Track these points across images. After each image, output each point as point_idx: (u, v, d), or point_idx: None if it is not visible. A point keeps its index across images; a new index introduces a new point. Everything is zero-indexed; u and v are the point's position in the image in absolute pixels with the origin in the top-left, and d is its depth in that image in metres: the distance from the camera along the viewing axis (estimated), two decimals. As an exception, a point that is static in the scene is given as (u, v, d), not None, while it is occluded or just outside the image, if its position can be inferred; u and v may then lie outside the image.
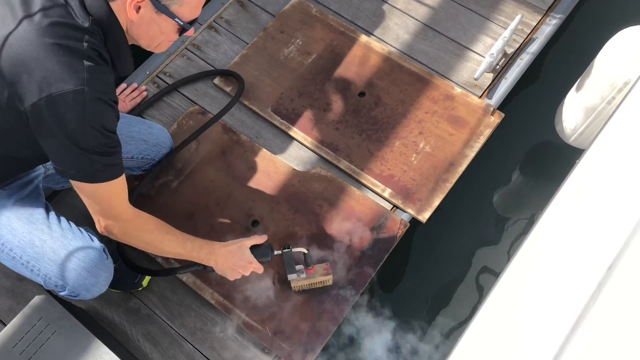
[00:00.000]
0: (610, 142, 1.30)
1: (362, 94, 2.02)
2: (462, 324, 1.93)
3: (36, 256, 1.37)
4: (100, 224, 1.34)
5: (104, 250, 1.44)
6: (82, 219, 1.82)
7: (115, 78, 1.27)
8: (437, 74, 2.07)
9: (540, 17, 2.18)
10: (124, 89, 2.05)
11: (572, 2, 2.21)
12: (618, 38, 1.70)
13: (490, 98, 2.02)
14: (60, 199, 1.88)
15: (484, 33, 2.16)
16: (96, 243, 1.43)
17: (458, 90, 2.01)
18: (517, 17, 2.07)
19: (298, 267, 1.60)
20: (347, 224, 1.78)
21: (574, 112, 1.82)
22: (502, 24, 2.17)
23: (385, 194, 1.83)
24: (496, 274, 2.02)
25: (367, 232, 1.77)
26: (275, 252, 1.55)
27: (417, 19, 2.20)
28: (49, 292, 1.56)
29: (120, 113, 1.72)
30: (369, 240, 1.75)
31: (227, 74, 2.07)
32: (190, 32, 1.31)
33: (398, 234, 1.76)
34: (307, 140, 1.94)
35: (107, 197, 1.29)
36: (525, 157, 2.27)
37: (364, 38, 2.13)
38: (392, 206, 1.84)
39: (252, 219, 1.81)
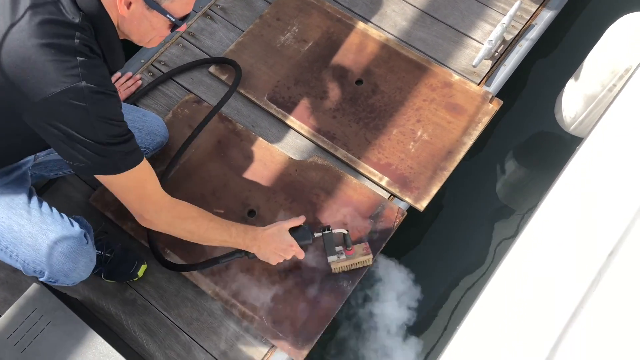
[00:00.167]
0: (610, 130, 1.29)
1: (359, 82, 1.99)
2: (460, 313, 1.92)
3: (14, 241, 1.35)
4: (143, 218, 1.34)
5: (84, 236, 1.42)
6: (77, 209, 1.83)
7: None
8: (435, 61, 2.04)
9: (539, 3, 2.15)
10: (119, 78, 2.02)
11: (572, -12, 2.18)
12: (619, 24, 1.68)
13: (488, 85, 2.00)
14: (55, 188, 1.86)
15: (483, 19, 2.13)
16: (76, 228, 1.40)
17: (456, 77, 1.98)
18: (516, 3, 2.04)
19: (338, 248, 1.58)
20: (344, 213, 1.77)
21: (574, 100, 1.80)
22: (501, 10, 2.14)
23: (383, 183, 1.82)
24: (495, 263, 2.01)
25: (364, 221, 1.75)
26: (316, 235, 1.53)
27: (414, 6, 2.17)
28: (44, 282, 1.54)
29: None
30: (366, 229, 1.74)
31: (224, 62, 2.05)
32: (182, 28, 1.31)
33: (395, 223, 1.75)
34: (304, 128, 1.92)
35: (140, 186, 1.29)
36: (525, 145, 2.25)
37: (361, 25, 2.10)
38: (389, 195, 1.82)
39: (248, 209, 1.79)
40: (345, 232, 1.55)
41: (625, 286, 0.97)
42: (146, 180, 1.31)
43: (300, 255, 1.53)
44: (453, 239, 2.07)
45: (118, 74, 2.03)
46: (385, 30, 2.13)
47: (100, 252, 1.67)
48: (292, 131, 1.94)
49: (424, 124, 1.90)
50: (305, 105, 1.96)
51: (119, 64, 1.31)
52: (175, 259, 1.71)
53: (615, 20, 1.70)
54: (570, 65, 1.90)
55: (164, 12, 1.21)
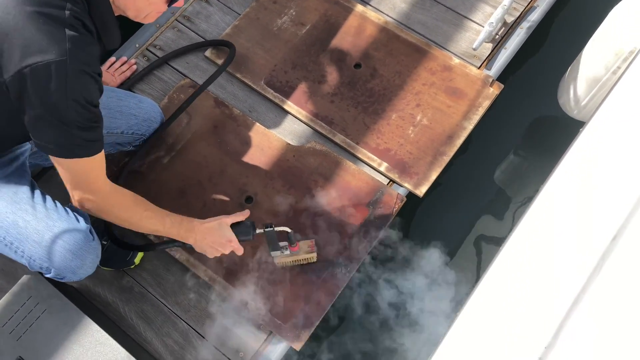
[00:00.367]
0: (613, 113, 1.26)
1: (357, 66, 1.96)
2: (459, 301, 1.91)
3: (20, 237, 1.33)
4: (74, 199, 1.30)
5: (90, 232, 1.40)
6: (72, 196, 1.81)
7: (101, 52, 1.22)
8: (434, 45, 2.01)
9: (541, -16, 2.11)
10: (113, 63, 1.99)
11: (575, -32, 2.14)
12: (623, 5, 1.64)
13: (489, 69, 1.96)
14: (49, 176, 1.84)
15: (483, 1, 2.09)
16: (82, 224, 1.39)
17: (456, 61, 1.95)
18: (518, -16, 2.00)
19: (282, 244, 1.57)
20: (342, 199, 1.75)
21: (577, 83, 1.76)
22: (503, -9, 2.10)
23: (382, 168, 1.80)
24: (495, 249, 1.99)
25: (362, 207, 1.73)
26: (257, 231, 1.50)
27: (414, -13, 2.13)
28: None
29: (109, 87, 1.69)
30: (365, 216, 1.72)
31: (219, 44, 2.01)
32: (180, 3, 1.26)
33: (394, 209, 1.73)
34: (302, 113, 1.89)
35: (85, 172, 1.25)
36: (526, 130, 2.22)
37: (359, 8, 2.06)
38: (388, 180, 1.80)
39: (245, 195, 1.77)
40: (289, 230, 1.53)
41: (629, 271, 0.95)
42: (92, 170, 1.26)
43: (239, 251, 1.50)
44: (453, 225, 2.05)
45: (112, 59, 2.00)
46: (384, 13, 2.09)
47: (96, 239, 1.65)
48: (289, 116, 1.92)
49: (423, 108, 1.88)
50: (303, 89, 1.93)
51: (114, 42, 1.26)
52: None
53: (619, 1, 1.66)
54: (573, 48, 1.86)
55: None
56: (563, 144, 1.28)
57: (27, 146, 1.48)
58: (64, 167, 1.24)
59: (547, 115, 2.21)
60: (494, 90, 1.89)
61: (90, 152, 1.21)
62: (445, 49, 2.01)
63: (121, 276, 1.70)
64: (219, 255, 1.49)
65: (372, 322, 1.83)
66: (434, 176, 1.78)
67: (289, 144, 1.85)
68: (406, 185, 1.77)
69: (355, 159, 1.83)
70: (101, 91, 1.20)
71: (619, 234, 0.96)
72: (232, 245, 1.47)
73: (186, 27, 2.09)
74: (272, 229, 1.50)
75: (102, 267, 1.68)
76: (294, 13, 2.07)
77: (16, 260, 1.37)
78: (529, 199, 2.03)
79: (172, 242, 1.50)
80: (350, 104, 1.89)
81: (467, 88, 1.90)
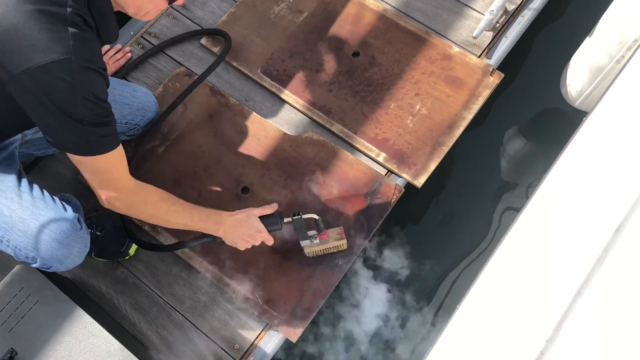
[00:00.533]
0: (617, 103, 1.23)
1: (356, 54, 1.93)
2: (460, 291, 1.89)
3: (5, 226, 1.31)
4: (102, 198, 1.30)
5: (78, 221, 1.38)
6: (66, 186, 1.79)
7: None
8: (434, 33, 1.98)
9: (543, -28, 2.07)
10: (107, 51, 1.96)
11: (578, -44, 2.10)
12: (627, -8, 1.61)
13: (489, 58, 1.93)
14: (43, 166, 1.82)
15: (485, -11, 2.05)
16: (69, 213, 1.36)
17: (456, 49, 1.92)
18: (520, -28, 1.97)
19: (310, 232, 1.55)
20: (339, 190, 1.72)
21: (580, 72, 1.73)
22: (504, -21, 2.06)
23: (380, 159, 1.77)
24: (495, 241, 1.97)
25: (360, 198, 1.71)
26: (285, 220, 1.50)
27: (414, -25, 2.09)
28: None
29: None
30: (362, 207, 1.70)
31: (215, 34, 1.98)
32: (180, 2, 1.25)
33: (392, 200, 1.70)
34: (299, 102, 1.86)
35: (107, 170, 1.25)
36: (527, 120, 2.19)
37: (358, -5, 2.03)
38: (386, 171, 1.77)
39: (241, 186, 1.75)
40: (317, 217, 1.51)
41: (633, 263, 0.93)
42: (114, 166, 1.26)
43: (269, 241, 1.50)
44: (452, 217, 2.03)
45: (107, 47, 1.96)
46: (383, 0, 2.05)
47: (90, 230, 1.63)
48: (286, 105, 1.89)
49: (422, 97, 1.85)
50: (300, 78, 1.90)
51: (112, 37, 1.25)
52: (166, 236, 1.68)
53: (623, -12, 1.63)
54: (576, 37, 1.83)
55: None
56: (565, 134, 1.26)
57: (18, 137, 1.46)
58: (86, 167, 1.24)
59: (549, 105, 2.18)
60: (495, 80, 1.86)
61: (108, 147, 1.20)
62: (445, 38, 1.97)
63: (115, 267, 1.68)
64: (249, 247, 1.49)
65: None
66: (432, 167, 1.75)
67: (286, 133, 1.82)
68: (404, 175, 1.75)
69: (353, 149, 1.80)
70: (108, 85, 1.19)
71: (623, 225, 0.94)
72: (262, 235, 1.48)
73: (181, 14, 2.05)
74: (300, 216, 1.49)
75: (96, 258, 1.66)
76: (291, 0, 2.03)
77: (2, 250, 1.35)
78: (530, 190, 2.01)
79: (201, 238, 1.50)
80: (349, 93, 1.86)
81: (467, 77, 1.87)
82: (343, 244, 1.60)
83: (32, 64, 1.04)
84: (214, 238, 1.49)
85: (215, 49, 1.96)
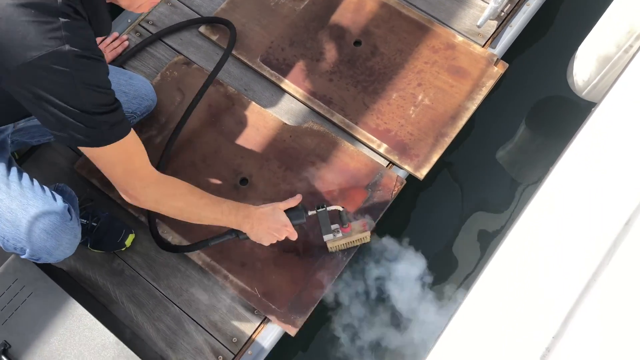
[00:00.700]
0: (625, 94, 1.20)
1: (357, 43, 1.89)
2: (462, 285, 1.87)
3: None
4: (127, 193, 1.26)
5: (68, 211, 1.34)
6: (62, 176, 1.76)
7: None
8: (437, 22, 1.94)
9: (550, -41, 2.03)
10: (105, 38, 1.92)
11: (585, -57, 2.06)
12: (636, -20, 1.57)
13: (493, 47, 1.89)
14: (38, 155, 1.79)
15: (489, -23, 2.01)
16: (59, 203, 1.33)
17: (460, 38, 1.88)
18: (526, -41, 1.92)
19: (333, 226, 1.51)
20: (340, 181, 1.69)
21: (587, 62, 1.69)
22: (509, -34, 2.02)
23: (381, 150, 1.74)
24: (499, 234, 1.94)
25: (361, 189, 1.68)
26: (310, 213, 1.47)
27: (417, -38, 2.05)
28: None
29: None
30: (363, 199, 1.67)
31: (216, 22, 1.94)
32: None
33: (394, 192, 1.67)
34: (299, 92, 1.83)
35: (127, 159, 1.21)
36: (533, 111, 2.15)
37: (360, -18, 1.98)
38: (388, 162, 1.74)
39: (240, 177, 1.72)
40: (341, 208, 1.47)
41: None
42: (134, 154, 1.22)
43: (293, 236, 1.47)
44: (455, 209, 2.00)
45: (104, 35, 1.93)
46: (386, -12, 2.01)
47: (86, 220, 1.60)
48: (286, 95, 1.85)
49: (425, 87, 1.81)
50: (301, 67, 1.86)
51: (104, 30, 1.22)
52: (174, 236, 1.65)
53: (632, -23, 1.59)
54: (583, 26, 1.79)
55: None
56: (571, 125, 1.23)
57: (9, 125, 1.43)
58: (105, 161, 1.20)
59: (555, 95, 2.14)
60: (499, 70, 1.82)
61: (122, 133, 1.16)
62: (449, 27, 1.94)
63: (112, 259, 1.65)
64: (274, 241, 1.45)
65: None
66: (435, 158, 1.72)
67: (286, 123, 1.79)
68: (406, 167, 1.71)
69: (354, 139, 1.77)
70: (107, 72, 1.15)
71: (632, 219, 0.91)
72: (287, 229, 1.44)
73: (180, 1, 2.02)
74: (324, 209, 1.47)
75: (93, 249, 1.63)
76: (292, -12, 1.99)
77: None
78: (536, 183, 1.98)
79: (225, 235, 1.46)
80: (350, 83, 1.83)
81: (470, 67, 1.83)
82: (367, 236, 1.55)
83: (26, 59, 1.01)
84: (238, 234, 1.44)
85: (214, 37, 1.92)
